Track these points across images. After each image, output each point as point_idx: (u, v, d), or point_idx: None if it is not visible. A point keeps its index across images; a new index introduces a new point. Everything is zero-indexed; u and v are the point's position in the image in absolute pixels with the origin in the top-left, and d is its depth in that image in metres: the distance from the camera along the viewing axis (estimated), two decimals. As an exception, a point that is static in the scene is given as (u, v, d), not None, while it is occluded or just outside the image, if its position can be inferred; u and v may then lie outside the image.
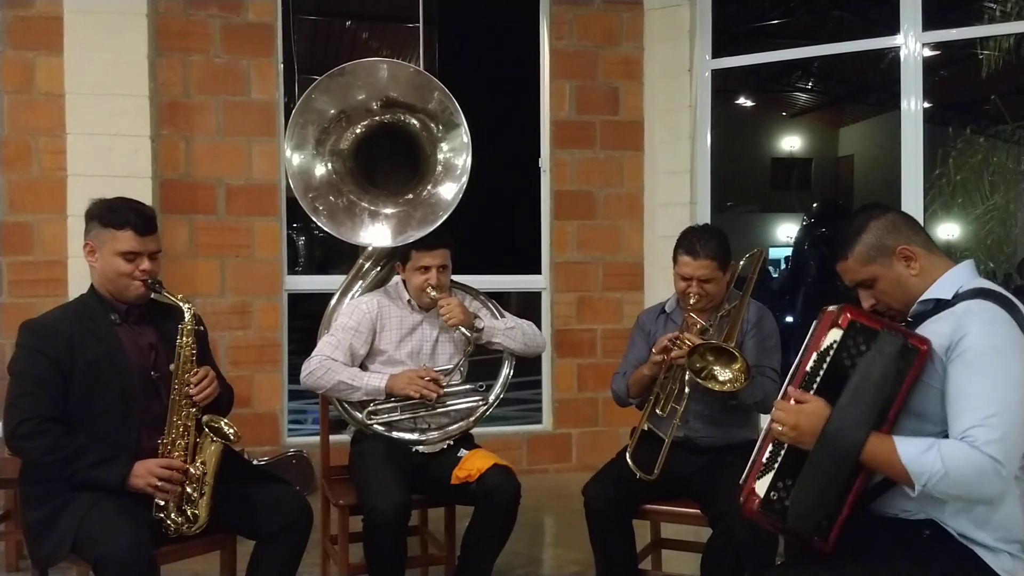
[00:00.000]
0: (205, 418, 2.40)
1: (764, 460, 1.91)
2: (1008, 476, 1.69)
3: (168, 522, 2.33)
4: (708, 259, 2.71)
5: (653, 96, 4.97)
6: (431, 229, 2.93)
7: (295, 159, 3.03)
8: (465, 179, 2.99)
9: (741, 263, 2.84)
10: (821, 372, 1.85)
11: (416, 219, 3.01)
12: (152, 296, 2.45)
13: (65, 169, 4.23)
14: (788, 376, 1.95)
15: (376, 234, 3.06)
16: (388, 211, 3.09)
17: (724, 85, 5.42)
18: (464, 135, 3.00)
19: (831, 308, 1.90)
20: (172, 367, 2.39)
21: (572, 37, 4.95)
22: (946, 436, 1.76)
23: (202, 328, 2.51)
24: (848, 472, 1.78)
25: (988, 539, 1.79)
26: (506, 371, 3.02)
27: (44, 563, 2.30)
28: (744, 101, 11.34)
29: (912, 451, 1.72)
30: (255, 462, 4.12)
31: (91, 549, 2.15)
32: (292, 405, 4.87)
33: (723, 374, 2.54)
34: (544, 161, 4.99)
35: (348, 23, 6.95)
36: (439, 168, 3.06)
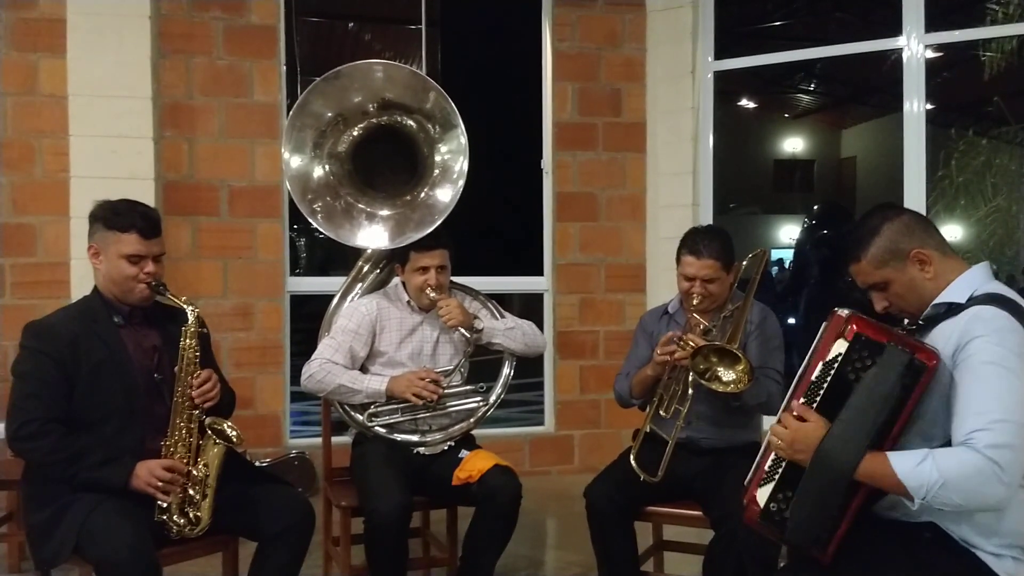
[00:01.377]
0: (208, 420, 2.40)
1: (767, 468, 1.90)
2: (1011, 483, 1.66)
3: (171, 524, 2.33)
4: (711, 259, 2.71)
5: (655, 98, 4.97)
6: (429, 231, 2.92)
7: (293, 162, 3.04)
8: (462, 183, 2.99)
9: (744, 263, 2.84)
10: (825, 385, 1.83)
11: (414, 221, 3.01)
12: (156, 298, 2.45)
13: (68, 171, 4.24)
14: (793, 383, 1.93)
15: (374, 236, 3.06)
16: (386, 213, 3.09)
17: (726, 87, 5.41)
18: (461, 137, 2.99)
19: (841, 312, 1.87)
20: (176, 369, 2.39)
21: (574, 39, 4.95)
22: (950, 441, 1.74)
23: (205, 330, 2.51)
24: (844, 490, 1.77)
25: (990, 546, 1.78)
26: (507, 371, 3.02)
27: (47, 565, 2.29)
28: (746, 103, 11.31)
29: (907, 465, 1.70)
30: (257, 464, 4.12)
31: (93, 551, 2.16)
32: (293, 407, 4.86)
33: (726, 375, 2.54)
34: (546, 163, 4.99)
35: (351, 25, 6.95)
36: (437, 170, 3.06)
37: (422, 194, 3.07)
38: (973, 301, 1.83)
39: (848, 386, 1.80)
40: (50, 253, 4.29)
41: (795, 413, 1.84)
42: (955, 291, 1.87)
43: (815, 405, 1.84)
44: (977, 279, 1.88)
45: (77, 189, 4.21)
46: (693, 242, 2.76)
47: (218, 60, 4.51)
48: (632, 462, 2.68)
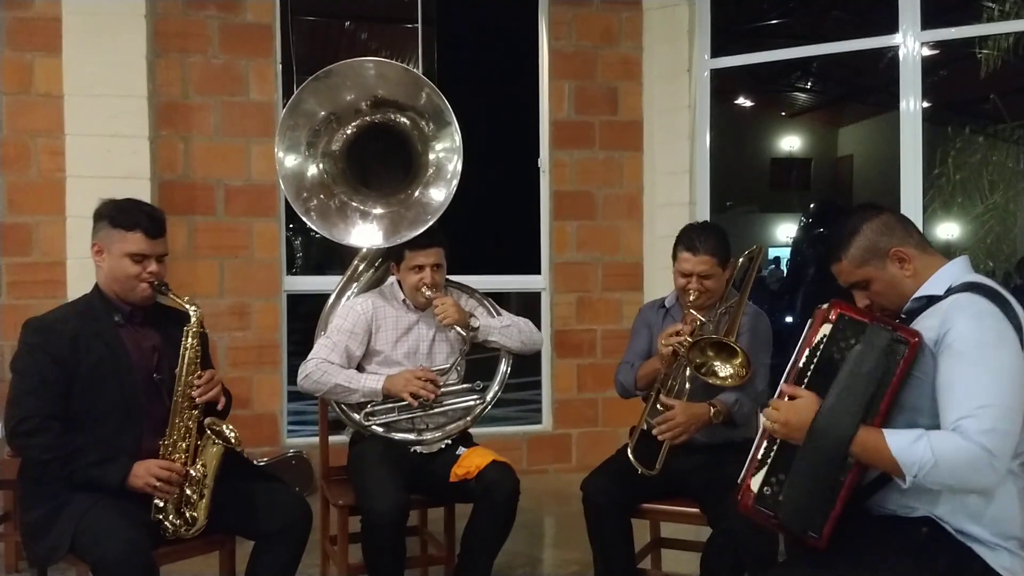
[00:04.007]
0: (207, 420, 2.39)
1: (760, 457, 1.91)
2: (1000, 467, 1.69)
3: (166, 524, 2.33)
4: (708, 255, 2.71)
5: (652, 96, 4.97)
6: (423, 229, 2.92)
7: (287, 161, 3.02)
8: (456, 183, 2.98)
9: (739, 260, 2.84)
10: (812, 366, 1.87)
11: (408, 219, 3.00)
12: (158, 299, 2.45)
13: (64, 170, 4.23)
14: (784, 375, 1.95)
15: (369, 235, 3.05)
16: (379, 211, 3.08)
17: (723, 85, 5.42)
18: (456, 135, 2.98)
19: (824, 306, 1.91)
20: (177, 369, 2.39)
21: (571, 37, 4.95)
22: (939, 429, 1.76)
23: (204, 331, 2.51)
24: (838, 466, 1.78)
25: (985, 535, 1.79)
26: (503, 369, 3.01)
27: (41, 562, 2.29)
28: (743, 101, 11.31)
29: (901, 442, 1.72)
30: (254, 463, 4.11)
31: (89, 550, 2.15)
32: (290, 407, 4.86)
33: (723, 370, 2.57)
34: (543, 161, 4.99)
35: (347, 24, 6.94)
36: (431, 169, 3.05)
37: (416, 193, 3.07)
38: (951, 292, 1.85)
39: (834, 365, 1.83)
40: (46, 252, 4.29)
41: (786, 394, 1.87)
42: (933, 285, 1.90)
43: (804, 385, 1.87)
44: (955, 272, 1.91)
45: (73, 188, 4.21)
46: (689, 239, 2.76)
47: (214, 59, 4.51)
48: (629, 455, 2.68)
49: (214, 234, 4.52)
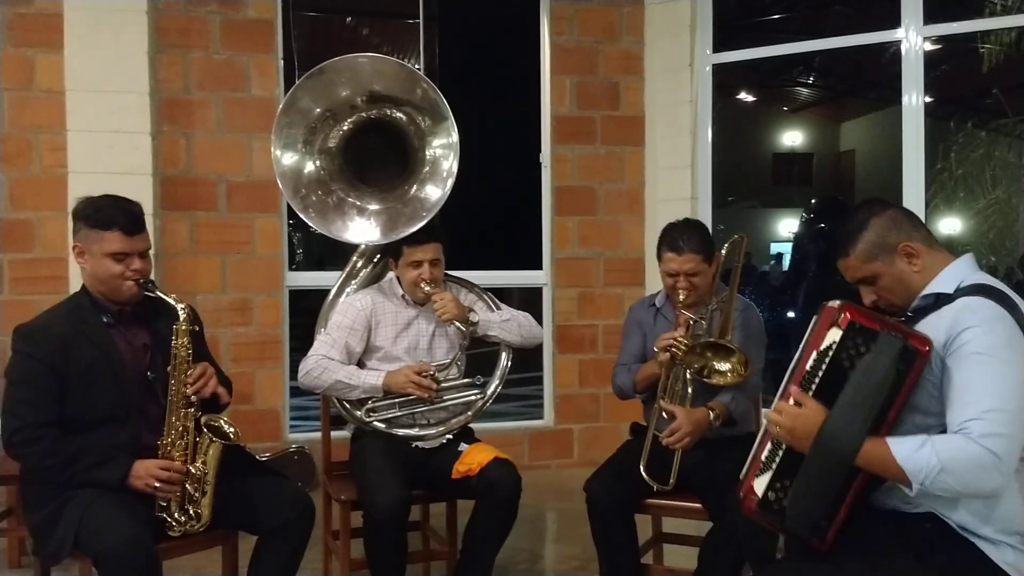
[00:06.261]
0: (204, 418, 2.38)
1: (763, 458, 1.90)
2: (1007, 472, 1.69)
3: (171, 521, 2.32)
4: (692, 253, 2.71)
5: (654, 91, 4.96)
6: (420, 225, 2.91)
7: (284, 159, 3.01)
8: (451, 182, 2.97)
9: (723, 253, 2.83)
10: (820, 373, 1.84)
11: (405, 215, 2.99)
12: (146, 295, 2.41)
13: (66, 166, 4.23)
14: (788, 373, 1.94)
15: (366, 231, 3.05)
16: (377, 208, 3.08)
17: (725, 80, 5.43)
18: (452, 132, 2.97)
19: (831, 304, 1.88)
20: (170, 369, 2.36)
21: (572, 32, 4.94)
22: (945, 431, 1.75)
23: (197, 328, 2.48)
24: (844, 476, 1.77)
25: (989, 532, 1.78)
26: (503, 363, 3.00)
27: (50, 561, 2.29)
28: (745, 96, 11.30)
29: (906, 450, 1.71)
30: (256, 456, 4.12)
31: (91, 543, 2.15)
32: (292, 402, 4.86)
33: (722, 366, 2.57)
34: (545, 157, 4.99)
35: (348, 19, 6.95)
36: (427, 167, 3.04)
37: (413, 189, 3.06)
38: (961, 292, 1.84)
39: (843, 373, 1.81)
40: (48, 248, 4.29)
41: (792, 399, 1.85)
42: (942, 282, 1.89)
43: (811, 392, 1.84)
44: (963, 270, 1.90)
45: (75, 184, 4.20)
46: (672, 238, 2.76)
47: (215, 55, 4.50)
48: (643, 473, 2.65)
49: (216, 230, 4.51)
